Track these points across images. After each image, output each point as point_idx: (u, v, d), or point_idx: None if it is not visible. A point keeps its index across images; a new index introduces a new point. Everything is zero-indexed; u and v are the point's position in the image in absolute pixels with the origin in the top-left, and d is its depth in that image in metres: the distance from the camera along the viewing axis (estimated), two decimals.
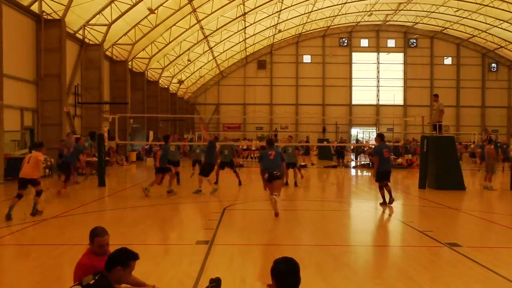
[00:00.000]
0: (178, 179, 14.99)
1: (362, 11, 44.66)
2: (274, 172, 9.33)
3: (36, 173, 9.27)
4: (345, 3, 41.10)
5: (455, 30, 48.95)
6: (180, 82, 41.46)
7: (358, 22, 49.23)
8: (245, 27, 40.25)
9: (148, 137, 31.78)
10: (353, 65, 52.48)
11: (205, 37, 37.09)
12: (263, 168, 9.53)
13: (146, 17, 27.23)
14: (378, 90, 52.75)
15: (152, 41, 31.66)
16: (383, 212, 10.32)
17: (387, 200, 10.83)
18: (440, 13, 43.78)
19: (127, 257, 3.50)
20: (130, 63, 31.95)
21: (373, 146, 11.31)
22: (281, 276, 2.86)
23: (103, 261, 3.63)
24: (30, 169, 9.18)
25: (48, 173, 17.58)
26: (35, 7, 19.45)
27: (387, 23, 50.26)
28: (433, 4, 42.18)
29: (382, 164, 10.91)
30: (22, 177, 9.17)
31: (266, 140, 10.74)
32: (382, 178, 10.88)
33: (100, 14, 24.05)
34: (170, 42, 33.15)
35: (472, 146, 29.31)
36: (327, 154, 30.23)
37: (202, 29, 35.02)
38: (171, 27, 30.94)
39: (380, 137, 11.42)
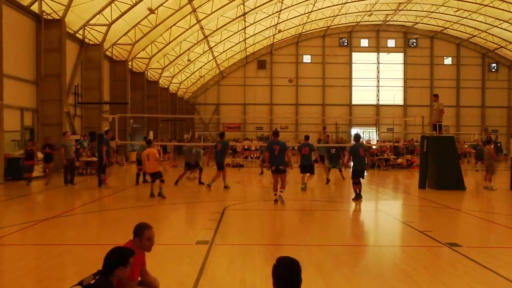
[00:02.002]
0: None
1: (362, 11, 44.64)
2: (280, 167, 10.84)
3: (158, 167, 11.61)
4: (345, 3, 41.09)
5: (455, 30, 48.93)
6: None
7: (358, 22, 49.21)
8: (245, 27, 40.22)
9: None
10: (353, 65, 52.44)
11: (205, 37, 37.08)
12: (270, 163, 10.92)
13: (146, 17, 27.23)
14: (378, 90, 52.72)
15: (152, 41, 31.66)
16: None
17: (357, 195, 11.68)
18: (440, 13, 43.77)
19: (127, 256, 3.50)
20: (130, 63, 31.95)
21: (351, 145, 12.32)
22: (281, 278, 2.85)
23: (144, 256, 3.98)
24: (152, 164, 11.51)
25: None
26: (35, 7, 19.45)
27: (387, 23, 50.25)
28: (433, 4, 42.17)
29: (357, 163, 11.68)
30: (148, 172, 11.81)
31: (273, 131, 11.85)
32: (357, 176, 11.62)
33: (100, 14, 24.05)
34: (170, 42, 33.15)
35: (465, 146, 29.32)
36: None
37: (202, 29, 35.00)
38: (171, 27, 30.94)
39: (356, 137, 12.23)
